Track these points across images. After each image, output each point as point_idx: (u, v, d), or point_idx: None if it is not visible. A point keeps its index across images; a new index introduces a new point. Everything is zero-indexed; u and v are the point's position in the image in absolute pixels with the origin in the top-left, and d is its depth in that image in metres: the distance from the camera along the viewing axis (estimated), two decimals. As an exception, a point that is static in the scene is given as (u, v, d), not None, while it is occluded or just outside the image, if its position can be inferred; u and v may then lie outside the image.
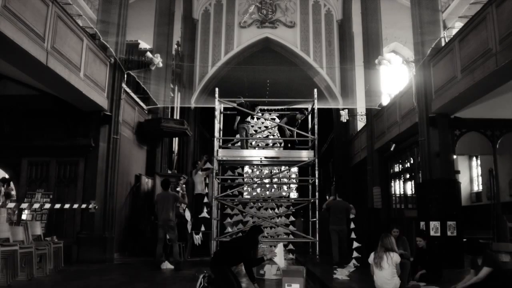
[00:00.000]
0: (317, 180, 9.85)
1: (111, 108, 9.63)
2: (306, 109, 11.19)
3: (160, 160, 12.96)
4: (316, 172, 9.86)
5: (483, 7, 7.26)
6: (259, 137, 11.99)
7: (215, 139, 10.04)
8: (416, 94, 9.80)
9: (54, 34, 7.20)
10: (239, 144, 10.97)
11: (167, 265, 7.86)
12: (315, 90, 10.77)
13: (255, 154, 10.47)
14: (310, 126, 10.88)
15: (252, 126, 11.85)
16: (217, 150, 9.99)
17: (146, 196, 11.63)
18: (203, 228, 9.95)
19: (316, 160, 9.84)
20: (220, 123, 10.73)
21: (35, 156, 9.30)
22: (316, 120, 10.05)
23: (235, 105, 10.50)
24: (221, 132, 11.02)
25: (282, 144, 11.33)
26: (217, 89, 10.35)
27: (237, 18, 17.76)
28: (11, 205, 8.46)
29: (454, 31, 9.32)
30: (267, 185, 11.35)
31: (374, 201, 12.91)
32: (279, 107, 12.27)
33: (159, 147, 13.01)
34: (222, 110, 11.03)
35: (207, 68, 17.29)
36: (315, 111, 10.13)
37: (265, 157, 10.29)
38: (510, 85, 7.36)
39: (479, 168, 12.45)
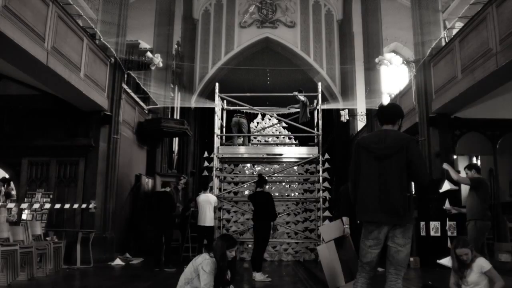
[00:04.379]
0: (321, 178, 9.82)
1: (111, 108, 9.63)
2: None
3: (160, 160, 12.97)
4: (321, 169, 9.83)
5: (483, 7, 7.26)
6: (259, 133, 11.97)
7: (215, 135, 10.02)
8: (416, 94, 9.80)
9: (55, 34, 7.20)
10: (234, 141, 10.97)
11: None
12: (319, 83, 10.76)
13: (258, 151, 10.42)
14: (315, 121, 10.89)
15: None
16: (218, 147, 9.97)
17: (146, 196, 11.62)
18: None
19: (321, 157, 9.81)
20: (221, 119, 10.71)
21: (35, 156, 9.29)
22: (320, 115, 10.04)
23: (235, 100, 10.49)
24: (224, 129, 11.01)
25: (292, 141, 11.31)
26: (217, 84, 10.32)
27: (237, 18, 17.76)
28: (11, 205, 8.47)
29: (454, 31, 9.33)
30: (277, 183, 11.27)
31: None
32: (280, 111, 12.26)
33: (159, 147, 13.01)
34: (223, 106, 11.02)
35: (207, 68, 17.30)
36: (319, 105, 10.10)
37: (268, 154, 10.25)
38: (510, 85, 7.36)
39: (479, 168, 12.43)
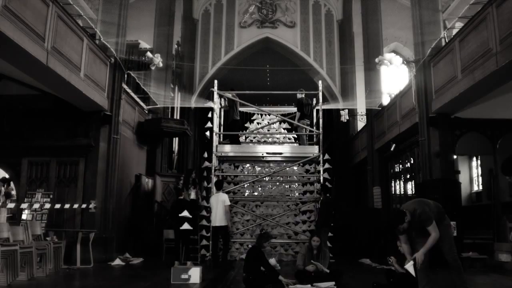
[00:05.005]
0: (322, 178, 9.79)
1: (111, 108, 9.63)
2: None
3: (160, 160, 12.97)
4: (321, 169, 9.80)
5: (483, 7, 7.26)
6: (258, 132, 11.96)
7: (214, 134, 9.99)
8: (416, 94, 9.80)
9: (55, 34, 7.21)
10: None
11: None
12: (320, 82, 10.74)
13: (257, 150, 10.39)
14: (315, 120, 10.88)
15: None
16: (216, 146, 9.94)
17: (146, 196, 11.62)
18: None
19: (321, 156, 9.78)
20: (219, 117, 10.69)
21: (35, 156, 9.30)
22: (321, 113, 10.00)
23: (234, 98, 10.45)
24: (221, 127, 10.98)
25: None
26: (216, 81, 10.29)
27: (237, 18, 17.77)
28: (11, 205, 8.47)
29: (454, 31, 9.34)
30: (277, 183, 11.24)
31: (374, 201, 12.90)
32: (279, 110, 12.25)
33: (159, 147, 13.01)
34: (221, 104, 10.99)
35: (207, 68, 17.30)
36: (319, 103, 10.07)
37: (268, 153, 10.21)
38: (510, 85, 7.35)
39: (479, 168, 12.45)
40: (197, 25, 17.77)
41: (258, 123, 12.32)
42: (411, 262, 4.44)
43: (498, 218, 9.25)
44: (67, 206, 8.61)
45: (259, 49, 17.81)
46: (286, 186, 11.29)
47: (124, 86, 10.21)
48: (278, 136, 11.98)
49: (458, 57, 8.15)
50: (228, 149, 10.36)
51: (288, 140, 12.14)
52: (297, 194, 10.91)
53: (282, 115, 12.01)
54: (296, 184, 11.12)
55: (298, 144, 11.24)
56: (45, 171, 9.30)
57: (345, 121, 15.49)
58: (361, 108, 14.96)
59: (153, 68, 11.02)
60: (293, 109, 12.09)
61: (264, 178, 10.86)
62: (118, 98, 9.78)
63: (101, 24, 9.81)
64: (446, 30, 10.42)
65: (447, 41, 9.22)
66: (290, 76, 16.43)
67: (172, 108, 13.92)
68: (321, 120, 9.99)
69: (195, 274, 6.15)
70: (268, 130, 12.16)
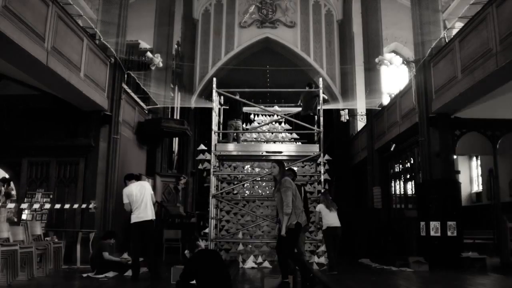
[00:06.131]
0: (322, 177, 9.76)
1: (111, 108, 9.62)
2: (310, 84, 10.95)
3: (160, 160, 12.96)
4: (322, 168, 9.78)
5: (483, 7, 7.26)
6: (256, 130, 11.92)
7: (213, 132, 9.96)
8: (416, 94, 9.80)
9: (55, 34, 7.20)
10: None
11: None
12: (320, 79, 10.73)
13: (257, 149, 10.36)
14: (316, 118, 10.87)
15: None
16: (215, 144, 9.92)
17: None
18: None
19: (322, 155, 9.76)
20: (218, 116, 10.67)
21: (35, 156, 9.29)
22: (321, 112, 9.99)
23: (234, 96, 10.44)
24: (221, 126, 10.97)
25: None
26: (214, 79, 10.26)
27: (238, 18, 17.78)
28: (11, 205, 8.47)
29: (454, 31, 9.33)
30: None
31: (374, 201, 12.90)
32: (280, 110, 12.22)
33: (159, 147, 13.00)
34: (221, 103, 10.99)
35: (207, 68, 17.31)
36: (320, 102, 10.07)
37: (267, 152, 10.19)
38: (510, 85, 7.36)
39: (479, 168, 12.44)
40: (197, 25, 17.78)
41: (258, 123, 12.32)
42: None
43: (498, 218, 9.25)
44: (67, 206, 8.61)
45: (259, 49, 17.82)
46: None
47: (124, 86, 10.21)
48: (279, 134, 11.97)
49: (458, 57, 8.15)
50: (227, 148, 10.33)
51: (287, 137, 12.12)
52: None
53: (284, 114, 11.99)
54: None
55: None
56: (45, 171, 9.30)
57: (345, 121, 15.47)
58: (361, 108, 14.94)
59: (153, 68, 11.02)
60: (293, 109, 12.06)
61: (264, 178, 10.83)
62: (118, 98, 9.78)
63: (101, 24, 9.81)
64: (446, 30, 10.41)
65: (447, 41, 9.22)
66: (290, 76, 16.42)
67: (172, 108, 13.91)
68: (322, 118, 9.98)
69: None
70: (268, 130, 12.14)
